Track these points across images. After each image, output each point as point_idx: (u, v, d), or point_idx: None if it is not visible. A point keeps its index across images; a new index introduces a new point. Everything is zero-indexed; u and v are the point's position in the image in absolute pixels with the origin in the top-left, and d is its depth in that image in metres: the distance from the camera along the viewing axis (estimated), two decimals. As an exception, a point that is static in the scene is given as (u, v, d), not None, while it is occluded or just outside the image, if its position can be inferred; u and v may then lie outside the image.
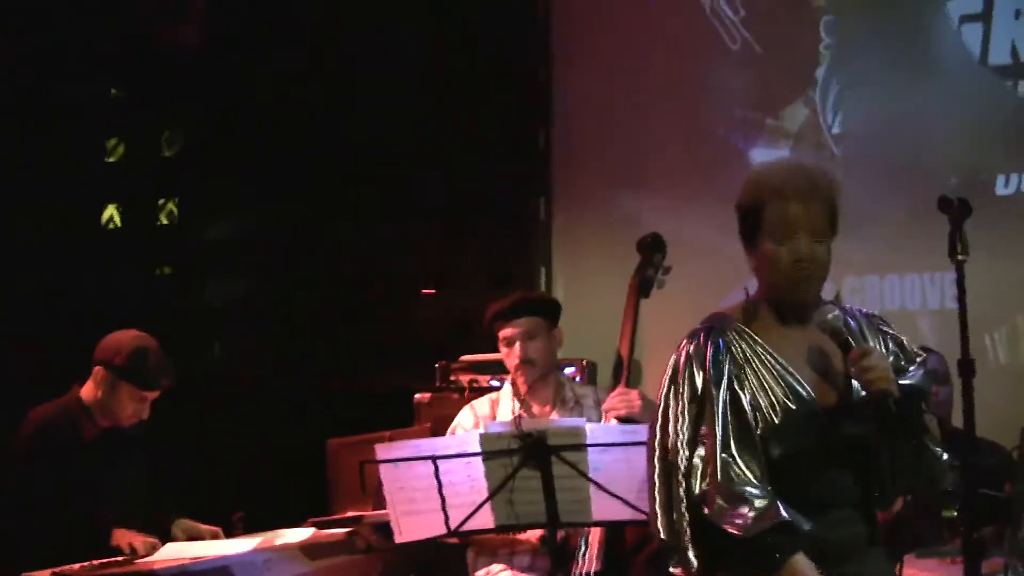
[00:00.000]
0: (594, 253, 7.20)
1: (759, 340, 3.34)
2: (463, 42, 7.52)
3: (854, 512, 3.31)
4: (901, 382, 3.26)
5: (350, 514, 5.38)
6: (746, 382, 3.29)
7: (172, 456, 5.90)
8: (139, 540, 4.92)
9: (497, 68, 7.49)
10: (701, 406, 3.28)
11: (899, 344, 3.44)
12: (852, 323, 3.42)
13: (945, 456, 3.30)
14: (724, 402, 3.25)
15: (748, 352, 3.32)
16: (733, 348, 3.32)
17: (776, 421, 3.24)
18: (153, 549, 4.88)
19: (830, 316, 3.29)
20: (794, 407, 3.25)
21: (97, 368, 5.15)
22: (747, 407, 3.26)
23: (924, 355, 3.46)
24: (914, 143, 6.91)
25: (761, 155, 7.03)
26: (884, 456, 3.27)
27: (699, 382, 3.29)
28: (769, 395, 3.27)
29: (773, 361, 3.31)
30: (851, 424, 3.28)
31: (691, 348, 3.33)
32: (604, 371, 5.98)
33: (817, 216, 3.30)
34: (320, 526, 5.14)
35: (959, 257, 3.21)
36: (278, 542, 4.91)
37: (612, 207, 7.25)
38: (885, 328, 3.46)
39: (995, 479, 4.95)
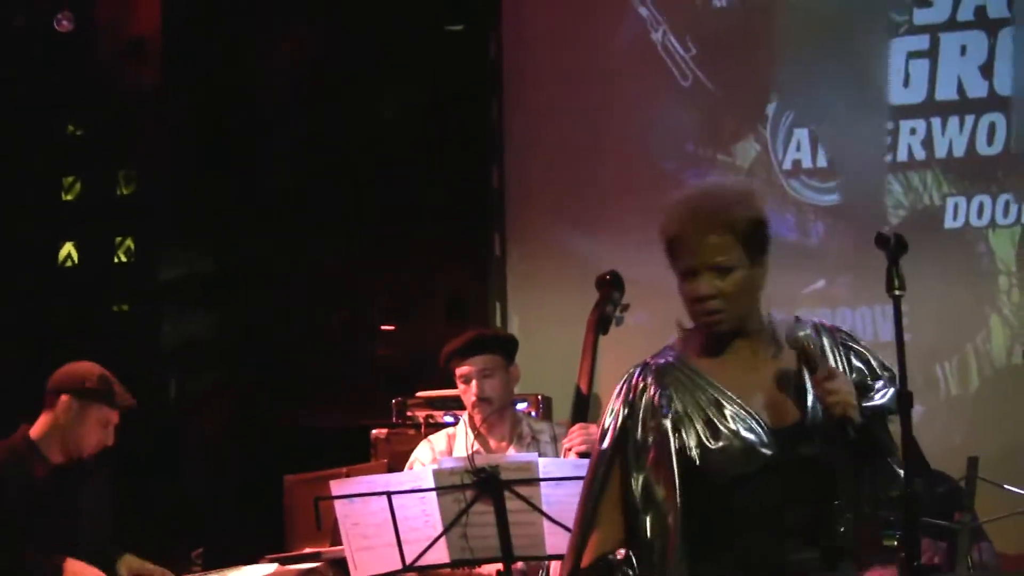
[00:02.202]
0: (549, 288, 7.25)
1: (696, 369, 3.30)
2: (417, 79, 7.57)
3: (812, 535, 3.24)
4: (865, 404, 3.22)
5: (308, 550, 5.40)
6: (672, 415, 3.25)
7: (129, 493, 5.91)
8: (90, 573, 4.94)
9: (450, 105, 7.54)
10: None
11: (864, 360, 3.36)
12: (815, 336, 3.33)
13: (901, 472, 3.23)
14: (607, 461, 3.29)
15: (684, 383, 3.29)
16: (663, 381, 3.30)
17: (717, 446, 3.20)
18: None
19: (801, 334, 3.23)
20: (737, 432, 3.21)
21: (63, 397, 5.17)
22: (645, 444, 3.26)
23: (892, 372, 3.37)
24: (862, 178, 7.02)
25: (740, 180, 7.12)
26: (842, 477, 3.23)
27: (609, 423, 3.32)
28: (707, 423, 3.23)
29: (712, 389, 3.27)
30: (806, 445, 3.22)
31: (618, 387, 3.35)
32: (559, 406, 6.03)
33: (719, 247, 3.22)
34: (281, 562, 5.15)
35: (896, 292, 3.23)
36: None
37: (567, 243, 7.31)
38: (850, 343, 3.39)
39: (944, 509, 5.01)
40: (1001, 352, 6.78)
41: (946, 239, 6.94)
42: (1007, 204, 6.93)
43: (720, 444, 3.22)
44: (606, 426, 3.34)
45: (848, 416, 3.14)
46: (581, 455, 4.85)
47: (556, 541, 4.38)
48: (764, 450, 3.22)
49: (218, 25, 7.90)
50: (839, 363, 3.34)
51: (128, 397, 5.25)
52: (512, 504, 4.38)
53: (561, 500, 4.38)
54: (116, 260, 8.25)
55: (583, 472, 4.35)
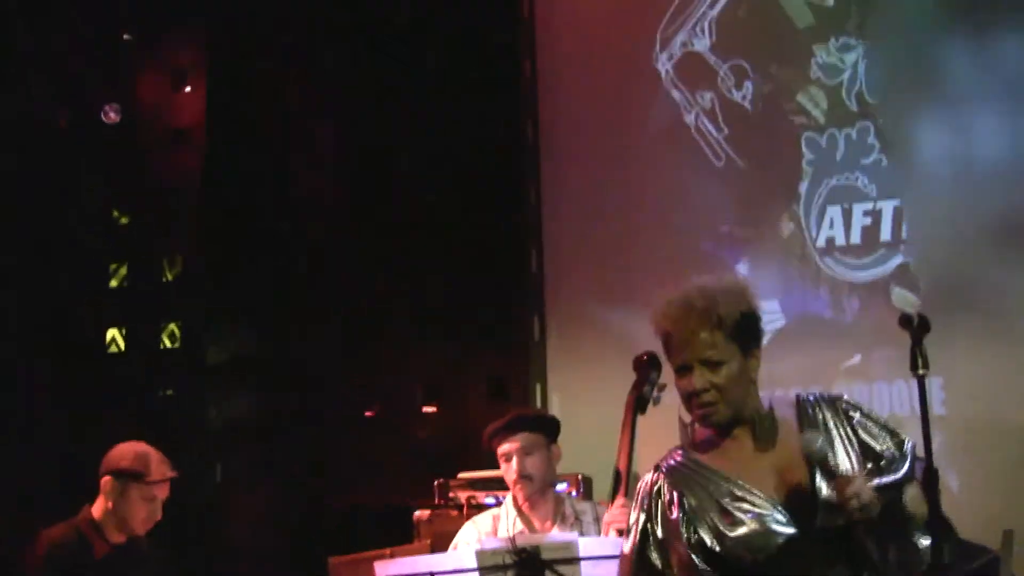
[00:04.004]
0: (589, 369, 7.33)
1: (702, 464, 3.41)
2: (456, 165, 7.71)
3: None
4: (879, 483, 3.30)
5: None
6: (687, 512, 3.37)
7: (182, 573, 5.99)
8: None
9: (489, 190, 7.67)
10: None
11: (872, 434, 3.44)
12: (811, 412, 3.45)
13: (924, 542, 3.30)
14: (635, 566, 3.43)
15: (694, 479, 3.40)
16: (674, 481, 3.42)
17: (736, 533, 3.30)
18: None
19: (816, 446, 3.30)
20: (753, 515, 3.30)
21: (105, 479, 5.29)
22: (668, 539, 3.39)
23: (901, 439, 3.46)
24: (898, 251, 7.06)
25: (747, 269, 7.19)
26: (867, 548, 3.30)
27: (632, 529, 3.48)
28: (723, 513, 3.33)
29: (721, 480, 3.37)
30: (824, 518, 3.29)
31: (637, 493, 3.50)
32: (599, 485, 6.08)
33: (706, 345, 3.34)
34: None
35: (920, 372, 3.30)
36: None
37: (605, 323, 7.39)
38: (851, 412, 3.47)
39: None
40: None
41: (983, 308, 6.96)
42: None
43: (738, 531, 3.31)
44: (631, 533, 3.48)
45: (864, 520, 3.22)
46: (622, 532, 4.92)
47: (598, 619, 4.44)
48: (782, 528, 3.31)
49: (259, 111, 8.06)
50: (843, 439, 3.43)
51: (167, 470, 5.36)
52: (554, 583, 4.44)
53: (603, 579, 4.44)
54: (161, 345, 8.39)
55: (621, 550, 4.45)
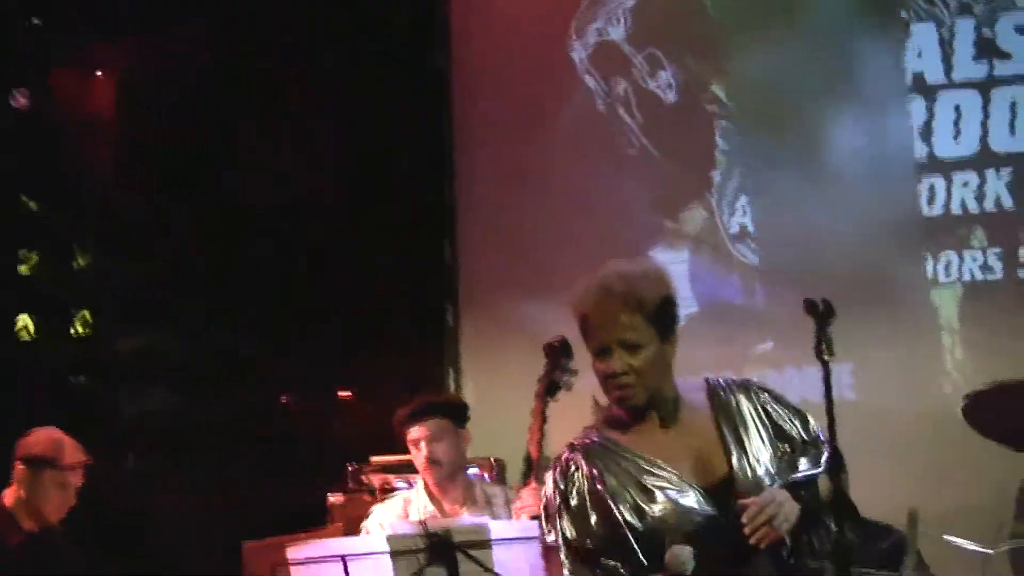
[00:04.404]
0: (502, 356, 7.33)
1: (619, 443, 3.46)
2: (370, 154, 7.70)
3: None
4: (793, 479, 3.39)
5: (266, 617, 5.45)
6: (608, 490, 3.41)
7: (91, 562, 5.95)
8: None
9: (402, 179, 7.67)
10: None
11: (787, 421, 3.52)
12: (724, 395, 3.51)
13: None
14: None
15: (612, 458, 3.45)
16: (591, 460, 3.46)
17: (655, 512, 3.35)
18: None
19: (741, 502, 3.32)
20: (670, 496, 3.36)
21: (17, 466, 5.26)
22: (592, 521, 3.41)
23: (812, 427, 3.53)
24: (809, 241, 7.14)
25: (662, 258, 7.18)
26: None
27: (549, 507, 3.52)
28: (642, 491, 3.38)
29: (638, 459, 3.42)
30: (741, 498, 3.35)
31: (550, 472, 3.55)
32: (513, 470, 6.10)
33: (626, 328, 3.40)
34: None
35: (825, 356, 3.35)
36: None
37: (518, 311, 7.35)
38: (762, 395, 3.55)
39: (891, 561, 5.11)
40: (945, 409, 6.89)
41: (892, 298, 7.08)
42: (948, 264, 7.09)
43: (657, 508, 3.37)
44: (547, 510, 3.53)
45: (781, 540, 3.30)
46: (533, 516, 4.95)
47: (510, 601, 4.46)
48: (700, 508, 3.37)
49: (175, 101, 7.99)
50: (756, 421, 3.50)
51: (80, 456, 5.33)
52: (465, 567, 4.45)
53: (512, 561, 4.44)
54: (74, 332, 8.31)
55: (533, 533, 4.47)
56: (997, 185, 7.08)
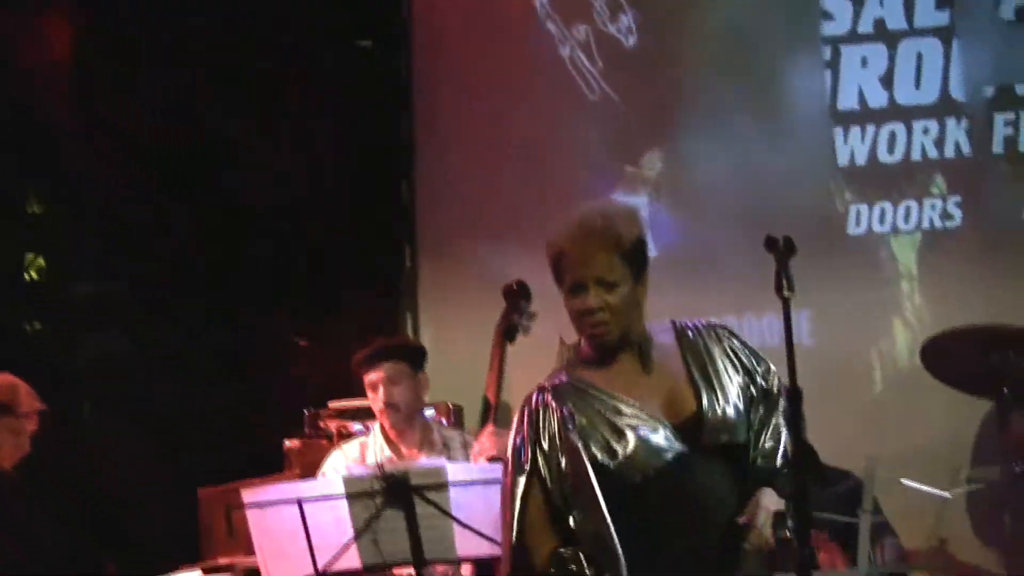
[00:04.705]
0: (461, 300, 7.28)
1: (589, 382, 3.44)
2: (328, 101, 7.61)
3: (739, 528, 3.36)
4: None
5: (222, 561, 5.44)
6: (577, 429, 3.38)
7: (45, 507, 5.91)
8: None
9: (359, 125, 7.58)
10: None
11: (739, 349, 3.54)
12: (691, 336, 3.52)
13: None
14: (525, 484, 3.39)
15: (582, 396, 3.42)
16: (562, 399, 3.42)
17: (625, 449, 3.34)
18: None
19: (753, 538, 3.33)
20: (640, 433, 3.36)
21: None
22: (561, 463, 3.37)
23: (770, 365, 3.55)
24: (766, 187, 7.13)
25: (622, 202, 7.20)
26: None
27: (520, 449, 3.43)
28: (612, 428, 3.37)
29: (607, 396, 3.41)
30: (709, 436, 3.39)
31: (520, 414, 3.47)
32: (471, 415, 6.09)
33: (603, 265, 3.38)
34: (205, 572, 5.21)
35: (785, 293, 3.33)
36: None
37: (477, 254, 7.32)
38: (726, 335, 3.56)
39: (848, 506, 5.13)
40: (903, 355, 6.93)
41: (849, 245, 7.09)
42: (908, 210, 7.10)
43: (627, 446, 3.36)
44: (518, 452, 3.44)
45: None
46: (491, 459, 4.94)
47: (466, 544, 4.46)
48: (670, 444, 3.38)
49: (129, 48, 7.88)
50: (723, 360, 3.51)
51: (35, 403, 5.29)
52: (422, 509, 4.45)
53: (470, 504, 4.46)
54: (28, 278, 8.22)
55: (491, 475, 4.47)
56: (957, 133, 7.09)
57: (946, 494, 5.59)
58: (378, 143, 7.62)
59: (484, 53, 7.62)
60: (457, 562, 4.74)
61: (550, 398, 3.45)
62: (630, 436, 3.37)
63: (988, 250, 6.92)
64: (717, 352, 3.52)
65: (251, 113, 7.62)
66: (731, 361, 3.52)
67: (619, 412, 3.40)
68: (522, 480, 3.41)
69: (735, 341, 3.57)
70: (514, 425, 3.50)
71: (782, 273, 3.33)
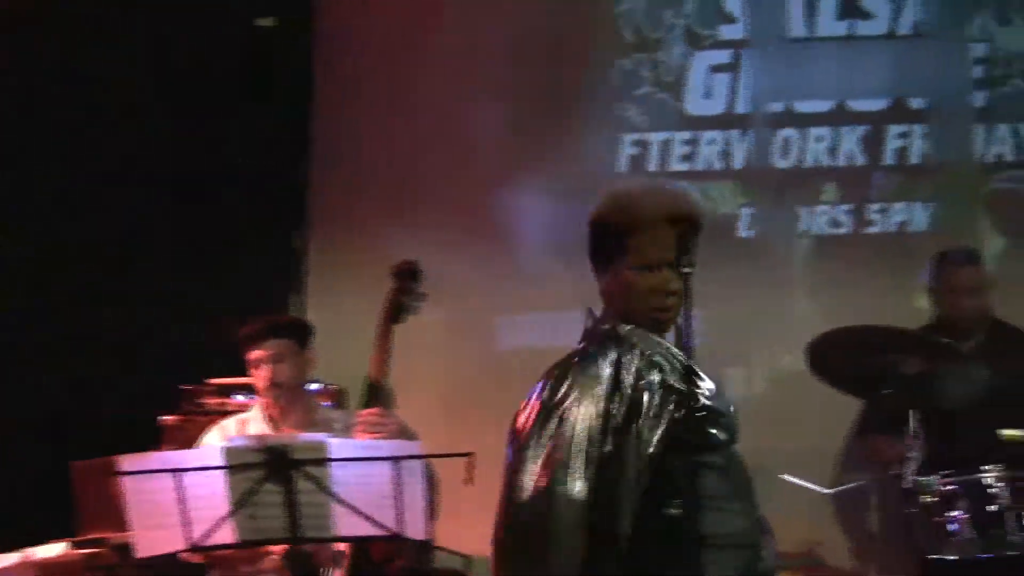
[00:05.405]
0: (350, 280, 7.14)
1: (657, 339, 3.25)
2: (225, 68, 7.48)
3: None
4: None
5: (92, 536, 5.32)
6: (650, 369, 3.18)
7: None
8: None
9: (257, 96, 7.47)
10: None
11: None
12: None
13: None
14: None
15: (647, 342, 3.23)
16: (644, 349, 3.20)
17: (706, 404, 3.18)
18: None
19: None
20: (710, 393, 3.22)
21: None
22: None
23: None
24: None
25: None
26: None
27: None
28: (688, 384, 3.19)
29: (673, 356, 3.23)
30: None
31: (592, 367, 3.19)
32: (354, 397, 6.01)
33: (685, 247, 3.24)
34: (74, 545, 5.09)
35: (684, 269, 3.32)
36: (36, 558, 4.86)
37: (368, 234, 7.21)
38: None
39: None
40: (787, 358, 6.98)
41: (739, 247, 7.14)
42: (797, 215, 7.17)
43: (705, 386, 3.22)
44: (562, 420, 3.13)
45: None
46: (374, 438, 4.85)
47: (345, 522, 4.39)
48: (730, 423, 3.27)
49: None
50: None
51: None
52: (302, 485, 4.37)
53: (351, 481, 4.38)
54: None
55: (373, 453, 4.40)
56: (850, 141, 7.17)
57: (826, 490, 5.66)
58: (273, 121, 7.50)
59: (387, 25, 7.48)
60: (335, 541, 4.66)
61: (627, 339, 3.20)
62: (703, 392, 3.20)
63: (874, 256, 7.02)
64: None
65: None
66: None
67: (689, 370, 3.21)
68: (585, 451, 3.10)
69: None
70: (550, 383, 3.20)
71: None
